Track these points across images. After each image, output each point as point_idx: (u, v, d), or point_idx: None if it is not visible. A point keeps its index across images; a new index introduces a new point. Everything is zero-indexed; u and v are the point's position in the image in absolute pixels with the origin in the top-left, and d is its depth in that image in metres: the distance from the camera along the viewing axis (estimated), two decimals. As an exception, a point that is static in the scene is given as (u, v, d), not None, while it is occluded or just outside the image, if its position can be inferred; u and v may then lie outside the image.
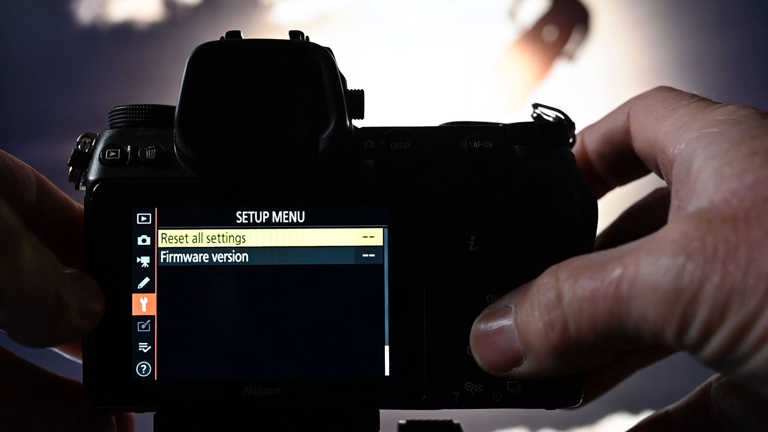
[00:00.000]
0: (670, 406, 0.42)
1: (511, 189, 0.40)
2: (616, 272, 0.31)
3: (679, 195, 0.34)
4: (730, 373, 0.31)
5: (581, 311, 0.32)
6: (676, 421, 0.42)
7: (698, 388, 0.41)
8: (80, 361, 0.40)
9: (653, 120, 0.38)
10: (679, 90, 0.38)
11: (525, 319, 0.35)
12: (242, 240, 0.40)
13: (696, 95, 0.37)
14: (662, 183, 0.42)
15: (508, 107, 1.16)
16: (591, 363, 0.35)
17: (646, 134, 0.38)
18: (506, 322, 0.36)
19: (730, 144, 0.32)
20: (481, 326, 0.38)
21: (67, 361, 0.44)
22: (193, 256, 0.40)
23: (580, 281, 0.33)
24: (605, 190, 0.46)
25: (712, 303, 0.29)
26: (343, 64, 0.39)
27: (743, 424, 0.39)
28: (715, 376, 0.41)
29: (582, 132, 0.45)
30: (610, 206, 0.46)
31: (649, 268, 0.30)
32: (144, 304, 0.39)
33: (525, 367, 0.36)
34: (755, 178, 0.30)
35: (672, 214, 0.34)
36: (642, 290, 0.31)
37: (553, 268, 0.34)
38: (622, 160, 0.43)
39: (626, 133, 0.41)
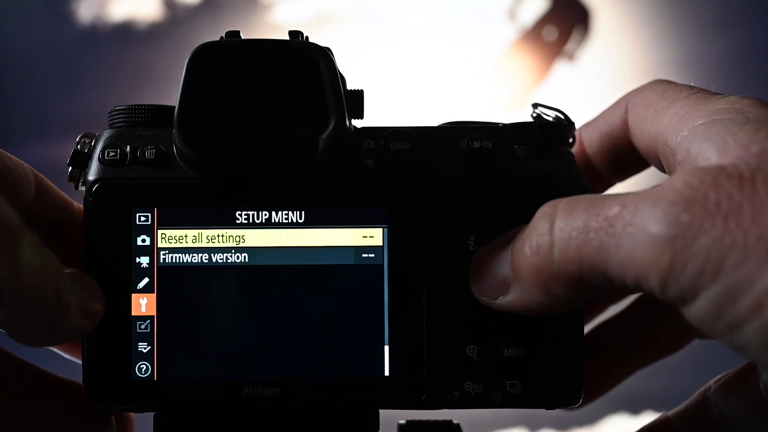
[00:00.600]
0: (670, 412, 0.42)
1: (510, 189, 0.40)
2: (613, 210, 0.31)
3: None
4: (722, 338, 0.30)
5: (569, 240, 0.32)
6: (675, 426, 0.41)
7: (697, 392, 0.41)
8: (80, 362, 0.40)
9: (653, 113, 0.37)
10: (675, 82, 0.38)
11: (517, 246, 0.35)
12: (242, 240, 0.40)
13: (695, 87, 0.37)
14: (662, 177, 0.42)
15: (508, 107, 1.16)
16: (569, 299, 0.34)
17: (646, 127, 0.38)
18: (503, 249, 0.37)
19: (734, 124, 0.32)
20: (482, 252, 0.38)
21: (67, 361, 0.44)
22: (192, 257, 0.40)
23: (576, 212, 0.32)
24: (605, 186, 0.46)
25: (707, 256, 0.28)
26: (342, 64, 0.39)
27: (743, 424, 0.39)
28: (714, 379, 0.41)
29: (580, 129, 0.45)
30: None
31: (646, 210, 0.30)
32: (144, 304, 0.39)
33: (510, 296, 0.36)
34: (761, 147, 0.30)
35: None
36: (635, 231, 0.30)
37: (554, 200, 0.34)
38: (622, 155, 0.43)
39: (625, 127, 0.41)
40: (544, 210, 0.34)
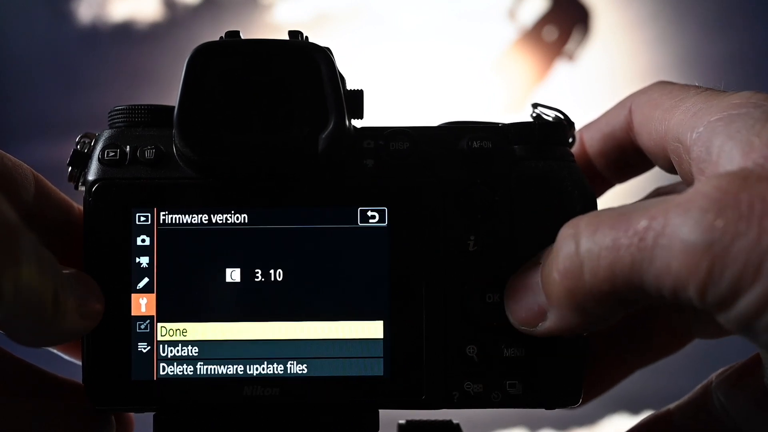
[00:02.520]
0: (672, 405, 0.42)
1: (510, 189, 0.40)
2: (642, 223, 0.30)
3: (703, 173, 0.33)
4: (760, 339, 0.30)
5: (599, 259, 0.32)
6: (676, 419, 0.41)
7: (699, 386, 0.41)
8: (79, 363, 0.40)
9: (661, 112, 0.37)
10: (678, 83, 0.38)
11: (546, 271, 0.35)
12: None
13: (700, 86, 0.37)
14: (664, 180, 0.42)
15: (508, 107, 1.16)
16: (606, 316, 0.34)
17: (653, 126, 0.38)
18: (534, 276, 0.36)
19: (755, 121, 0.31)
20: (514, 282, 0.38)
21: (67, 362, 0.44)
22: (192, 256, 0.40)
23: (601, 230, 0.32)
24: (605, 187, 0.46)
25: (746, 259, 0.28)
26: (342, 64, 0.39)
27: (745, 419, 0.39)
28: (715, 373, 0.41)
29: (581, 130, 0.45)
30: (610, 205, 0.46)
31: (677, 219, 0.29)
32: (143, 304, 0.39)
33: (549, 322, 0.35)
34: None
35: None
36: (668, 242, 0.29)
37: (574, 219, 0.34)
38: (624, 156, 0.43)
39: (628, 128, 0.41)
40: (566, 231, 0.34)
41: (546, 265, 0.35)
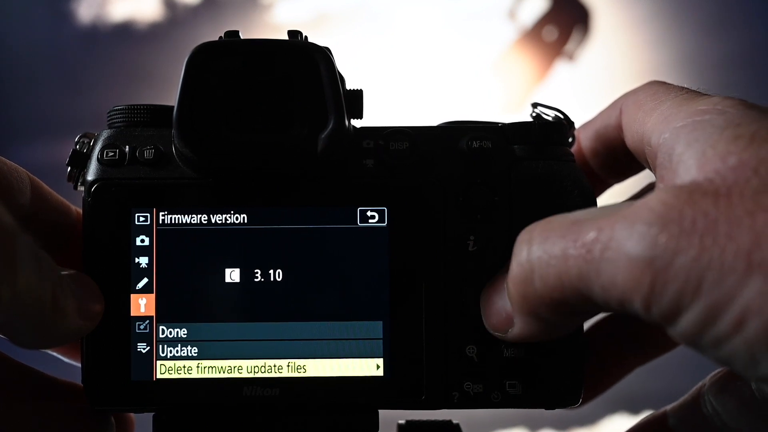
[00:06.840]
0: (668, 407, 0.42)
1: (510, 189, 0.40)
2: (590, 235, 0.31)
3: (663, 180, 0.33)
4: (708, 354, 0.30)
5: (548, 267, 0.32)
6: (670, 421, 0.42)
7: (694, 388, 0.41)
8: (78, 364, 0.40)
9: (642, 114, 0.37)
10: (669, 84, 0.38)
11: (508, 278, 0.35)
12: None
13: (685, 88, 0.37)
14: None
15: (507, 107, 1.16)
16: (562, 323, 0.34)
17: (635, 128, 0.38)
18: (503, 282, 0.37)
19: (714, 129, 0.31)
20: (488, 287, 0.39)
21: (65, 365, 0.44)
22: (191, 257, 0.40)
23: (552, 239, 0.32)
24: (603, 187, 0.46)
25: (686, 276, 0.28)
26: (342, 64, 0.39)
27: (735, 419, 0.39)
28: (709, 375, 0.41)
29: (578, 129, 0.45)
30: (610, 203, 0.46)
31: (623, 233, 0.30)
32: (143, 305, 0.39)
33: (516, 328, 0.36)
34: (739, 159, 0.30)
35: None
36: (613, 255, 0.30)
37: (530, 226, 0.34)
38: (616, 156, 0.43)
39: (619, 129, 0.41)
40: (522, 237, 0.34)
41: (510, 271, 0.35)
